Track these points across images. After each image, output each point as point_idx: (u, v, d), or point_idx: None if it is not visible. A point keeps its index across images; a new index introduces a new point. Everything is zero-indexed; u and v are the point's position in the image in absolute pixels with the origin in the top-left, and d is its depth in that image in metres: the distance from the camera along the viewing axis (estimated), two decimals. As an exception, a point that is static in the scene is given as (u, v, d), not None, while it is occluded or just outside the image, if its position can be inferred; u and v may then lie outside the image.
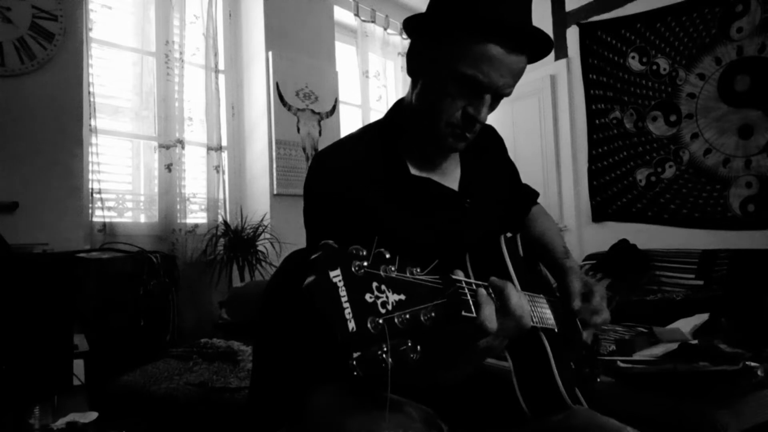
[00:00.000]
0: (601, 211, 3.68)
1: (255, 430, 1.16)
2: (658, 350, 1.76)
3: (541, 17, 3.94)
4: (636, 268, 3.06)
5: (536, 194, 1.20)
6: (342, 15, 3.90)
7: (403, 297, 0.50)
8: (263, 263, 3.01)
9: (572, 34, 3.82)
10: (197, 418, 1.61)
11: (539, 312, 0.81)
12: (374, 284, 0.48)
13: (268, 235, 3.09)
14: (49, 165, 2.40)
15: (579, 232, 3.78)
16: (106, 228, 2.63)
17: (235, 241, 2.95)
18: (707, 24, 3.11)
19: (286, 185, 3.28)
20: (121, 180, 2.88)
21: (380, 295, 0.48)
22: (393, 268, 0.50)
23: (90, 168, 2.58)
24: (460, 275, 0.61)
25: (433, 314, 0.52)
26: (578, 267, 0.97)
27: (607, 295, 0.95)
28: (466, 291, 0.59)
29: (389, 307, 0.48)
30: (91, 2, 2.72)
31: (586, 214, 3.76)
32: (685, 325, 2.06)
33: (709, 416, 1.32)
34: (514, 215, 1.13)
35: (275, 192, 3.26)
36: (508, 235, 0.91)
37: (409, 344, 0.50)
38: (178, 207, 2.88)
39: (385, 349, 0.47)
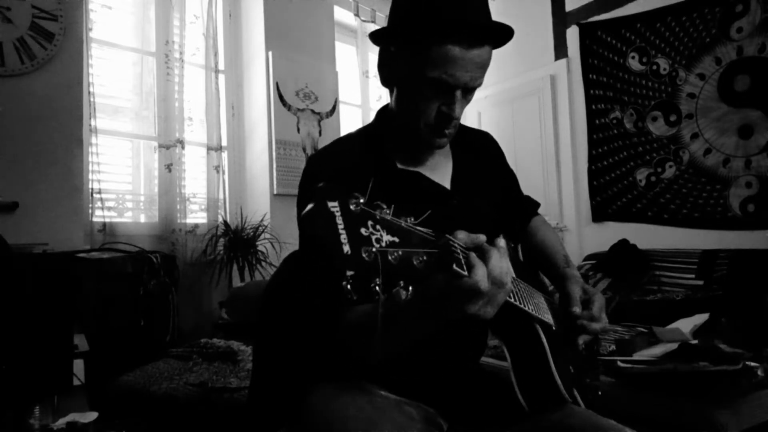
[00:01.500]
0: (601, 211, 3.67)
1: (255, 430, 1.16)
2: (658, 350, 1.76)
3: (541, 17, 3.94)
4: (636, 268, 3.06)
5: (537, 205, 1.20)
6: (342, 15, 3.90)
7: (396, 239, 0.52)
8: (263, 263, 3.01)
9: (572, 34, 3.82)
10: (197, 418, 1.61)
11: (535, 302, 0.82)
12: (369, 222, 0.50)
13: (268, 235, 3.09)
14: (49, 165, 2.40)
15: (579, 232, 3.78)
16: (106, 228, 2.64)
17: (235, 241, 2.95)
18: (707, 24, 3.11)
19: (286, 185, 3.28)
20: (121, 180, 2.88)
21: (375, 232, 0.50)
22: (388, 212, 0.53)
23: (90, 168, 2.58)
24: (460, 236, 0.63)
25: (424, 258, 0.54)
26: (579, 275, 0.98)
27: (607, 295, 0.95)
28: (458, 250, 0.60)
29: (383, 244, 0.50)
30: (91, 2, 2.72)
31: (586, 214, 3.76)
32: (685, 325, 2.06)
33: (709, 416, 1.32)
34: (513, 224, 1.13)
35: (275, 192, 3.26)
36: (511, 245, 0.92)
37: (402, 284, 0.53)
38: (178, 207, 2.88)
39: (378, 281, 0.49)
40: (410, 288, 0.53)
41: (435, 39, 0.80)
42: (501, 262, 0.64)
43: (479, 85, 0.86)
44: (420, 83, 0.84)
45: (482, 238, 0.66)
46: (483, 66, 0.84)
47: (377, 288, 0.50)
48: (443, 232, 0.87)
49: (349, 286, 0.49)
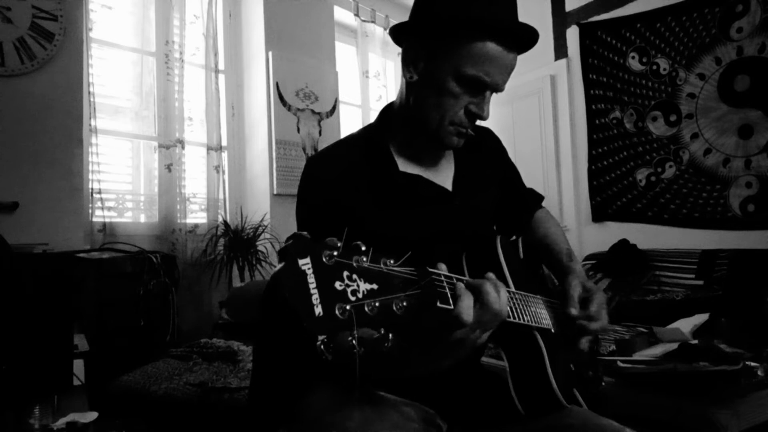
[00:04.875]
0: (601, 211, 3.67)
1: (255, 430, 1.16)
2: (658, 350, 1.77)
3: (541, 17, 3.94)
4: (636, 268, 3.06)
5: (540, 198, 1.20)
6: (342, 15, 3.90)
7: (375, 286, 0.50)
8: (263, 263, 3.01)
9: (572, 34, 3.81)
10: (197, 418, 1.61)
11: (532, 311, 0.81)
12: (345, 273, 0.49)
13: (268, 235, 3.09)
14: (49, 165, 2.40)
15: (579, 232, 3.78)
16: (106, 228, 2.63)
17: (235, 241, 2.95)
18: (707, 24, 3.11)
19: (286, 185, 3.28)
20: (121, 180, 2.88)
21: (351, 283, 0.49)
22: (365, 259, 0.51)
23: (90, 168, 2.58)
24: (442, 268, 0.61)
25: (405, 304, 0.52)
26: (582, 270, 0.97)
27: (607, 295, 0.94)
28: (444, 283, 0.59)
29: (359, 295, 0.49)
30: (91, 2, 2.72)
31: (586, 214, 3.76)
32: (685, 325, 2.06)
33: (709, 416, 1.32)
34: (517, 218, 1.13)
35: (275, 192, 3.26)
36: (512, 238, 0.92)
37: (382, 332, 0.51)
38: (178, 207, 2.88)
39: (355, 335, 0.48)
40: (390, 336, 0.51)
41: (479, 36, 0.80)
42: (493, 290, 0.64)
43: (503, 90, 0.87)
44: (452, 79, 0.83)
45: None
46: (512, 71, 0.86)
47: (353, 342, 0.48)
48: (444, 235, 0.88)
49: (323, 347, 0.47)
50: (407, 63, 0.89)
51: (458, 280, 0.63)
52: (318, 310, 0.46)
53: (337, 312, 0.46)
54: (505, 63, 0.83)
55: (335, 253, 0.49)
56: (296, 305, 0.45)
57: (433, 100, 0.86)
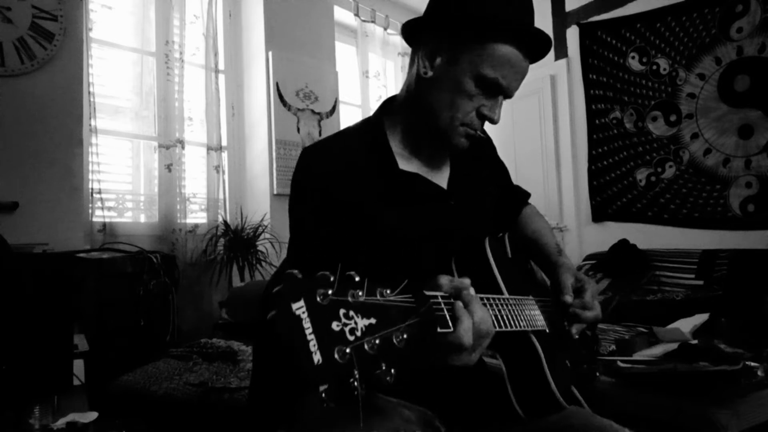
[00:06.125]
0: (601, 211, 3.67)
1: (255, 430, 1.16)
2: (658, 350, 1.77)
3: (541, 17, 3.92)
4: (636, 268, 3.06)
5: (527, 195, 1.20)
6: (342, 15, 3.90)
7: (373, 321, 0.49)
8: (263, 263, 3.01)
9: (572, 34, 3.82)
10: (197, 418, 1.61)
11: (527, 314, 0.80)
12: (341, 311, 0.47)
13: (268, 235, 3.09)
14: (49, 165, 2.40)
15: (579, 232, 3.78)
16: (106, 228, 2.63)
17: (235, 241, 2.95)
18: (707, 24, 3.11)
19: (286, 185, 3.28)
20: (121, 180, 2.88)
21: (348, 321, 0.47)
22: (361, 293, 0.49)
23: (90, 168, 2.58)
24: (442, 280, 0.60)
25: (405, 336, 0.51)
26: (571, 263, 0.97)
27: (607, 295, 0.94)
28: (443, 306, 0.58)
29: (358, 333, 0.47)
30: (91, 2, 2.72)
31: (586, 214, 3.76)
32: (685, 325, 2.06)
33: (709, 416, 1.32)
34: (505, 215, 1.13)
35: (275, 192, 3.26)
36: (498, 235, 0.91)
37: (383, 368, 0.48)
38: (178, 207, 2.88)
39: (356, 375, 0.46)
40: (393, 371, 0.49)
41: (502, 39, 0.81)
42: (485, 312, 0.63)
43: (512, 97, 0.88)
44: (470, 79, 0.83)
45: (466, 282, 0.64)
46: (522, 81, 0.87)
47: (355, 384, 0.46)
48: (440, 234, 0.87)
49: (324, 395, 0.44)
50: (424, 57, 0.87)
51: (452, 299, 0.61)
52: (317, 357, 0.44)
53: (336, 356, 0.45)
54: (521, 70, 0.84)
55: (330, 291, 0.46)
56: (294, 354, 0.43)
57: (447, 98, 0.85)
